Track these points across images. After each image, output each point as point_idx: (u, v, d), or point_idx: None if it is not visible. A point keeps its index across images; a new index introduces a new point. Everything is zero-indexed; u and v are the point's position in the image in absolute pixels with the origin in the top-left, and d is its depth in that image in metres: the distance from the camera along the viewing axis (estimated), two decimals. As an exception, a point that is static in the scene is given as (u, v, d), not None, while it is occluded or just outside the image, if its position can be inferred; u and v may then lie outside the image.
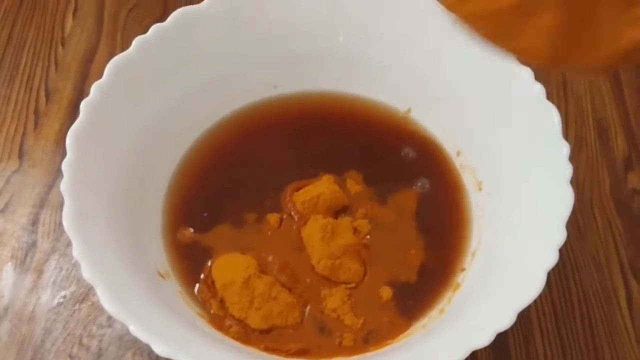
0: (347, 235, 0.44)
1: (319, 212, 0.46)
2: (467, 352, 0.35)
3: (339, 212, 0.46)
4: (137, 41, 0.45)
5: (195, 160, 0.49)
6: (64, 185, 0.39)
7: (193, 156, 0.49)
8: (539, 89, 0.43)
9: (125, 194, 0.43)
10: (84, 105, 0.42)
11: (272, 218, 0.46)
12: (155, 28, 0.45)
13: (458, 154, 0.49)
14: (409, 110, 0.51)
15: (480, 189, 0.47)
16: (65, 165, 0.40)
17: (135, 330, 0.35)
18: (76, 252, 0.37)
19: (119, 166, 0.44)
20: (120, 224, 0.42)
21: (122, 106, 0.44)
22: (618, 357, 0.45)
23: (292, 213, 0.46)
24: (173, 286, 0.43)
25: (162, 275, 0.43)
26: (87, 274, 0.37)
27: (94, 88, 0.43)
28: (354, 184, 0.48)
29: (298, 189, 0.47)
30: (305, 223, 0.45)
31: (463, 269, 0.44)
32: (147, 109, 0.46)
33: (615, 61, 0.25)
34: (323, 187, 0.46)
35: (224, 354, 0.39)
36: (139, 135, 0.45)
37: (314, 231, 0.44)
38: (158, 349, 0.35)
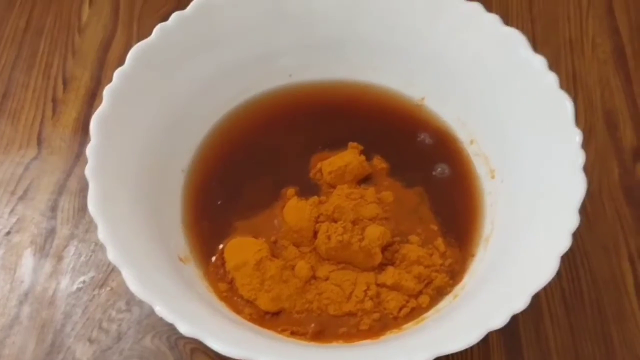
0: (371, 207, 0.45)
1: (345, 181, 0.47)
2: (483, 333, 0.36)
3: (361, 181, 0.48)
4: (158, 28, 0.46)
5: (214, 147, 0.49)
6: (88, 170, 0.40)
7: (211, 142, 0.50)
8: (552, 78, 0.44)
9: (146, 178, 0.44)
10: (106, 91, 0.43)
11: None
12: (176, 15, 0.46)
13: (472, 142, 0.50)
14: (422, 99, 0.52)
15: (493, 177, 0.48)
16: (89, 150, 0.41)
17: (161, 310, 0.36)
18: (101, 234, 0.38)
19: (141, 151, 0.44)
20: (142, 208, 0.43)
21: (144, 93, 0.45)
22: (626, 342, 0.46)
23: (319, 183, 0.48)
24: (193, 270, 0.44)
25: (182, 260, 0.44)
26: (112, 255, 0.37)
27: (117, 75, 0.44)
28: (380, 162, 0.49)
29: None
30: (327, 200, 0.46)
31: (473, 255, 0.45)
32: (167, 96, 0.47)
33: None
34: (350, 157, 0.47)
35: (247, 336, 0.39)
36: (160, 121, 0.46)
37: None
38: (183, 328, 0.35)
